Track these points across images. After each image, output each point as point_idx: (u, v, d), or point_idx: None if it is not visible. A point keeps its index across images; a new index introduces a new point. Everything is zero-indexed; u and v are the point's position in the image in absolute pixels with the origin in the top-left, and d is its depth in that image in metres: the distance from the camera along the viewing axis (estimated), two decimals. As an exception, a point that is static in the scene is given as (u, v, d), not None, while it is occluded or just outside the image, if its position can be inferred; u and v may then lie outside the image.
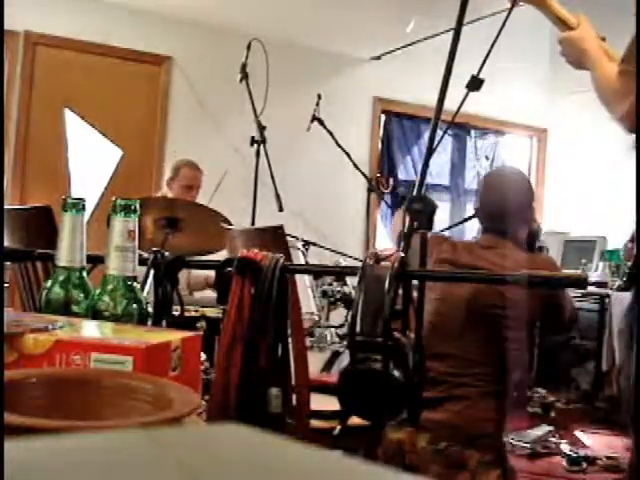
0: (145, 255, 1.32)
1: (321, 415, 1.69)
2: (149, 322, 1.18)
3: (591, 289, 4.70)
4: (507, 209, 2.17)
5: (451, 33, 1.54)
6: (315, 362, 2.55)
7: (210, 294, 3.59)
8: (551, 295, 2.13)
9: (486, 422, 2.02)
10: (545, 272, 1.97)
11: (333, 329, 2.98)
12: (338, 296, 3.09)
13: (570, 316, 2.18)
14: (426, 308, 2.16)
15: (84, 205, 1.04)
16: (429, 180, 5.82)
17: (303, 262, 2.87)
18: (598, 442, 4.04)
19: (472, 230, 6.37)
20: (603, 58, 1.59)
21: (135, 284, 1.01)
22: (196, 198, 3.72)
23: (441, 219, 5.68)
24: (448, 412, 2.02)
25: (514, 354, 2.07)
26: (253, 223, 3.43)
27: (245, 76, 3.43)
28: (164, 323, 1.33)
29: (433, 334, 2.12)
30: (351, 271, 1.50)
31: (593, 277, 4.90)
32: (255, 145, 3.42)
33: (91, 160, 5.01)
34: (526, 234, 2.26)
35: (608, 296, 4.65)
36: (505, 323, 2.01)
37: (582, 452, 3.75)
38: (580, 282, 1.29)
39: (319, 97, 3.88)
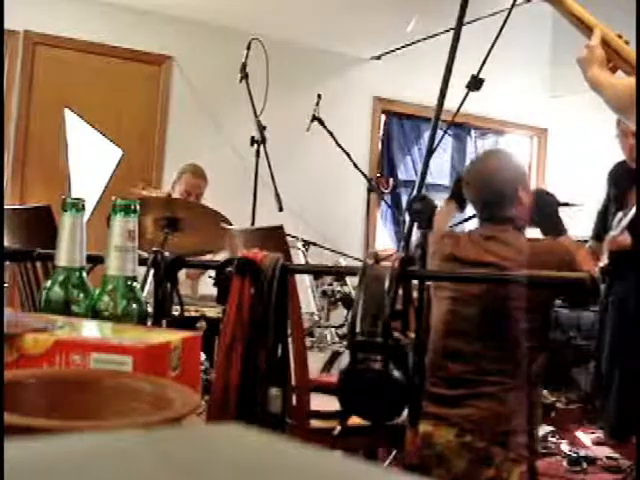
0: (145, 255, 1.32)
1: (321, 415, 1.69)
2: (149, 322, 1.18)
3: (591, 289, 4.68)
4: (495, 193, 2.14)
5: (451, 33, 1.55)
6: (315, 362, 2.55)
7: (210, 294, 3.58)
8: (565, 269, 2.08)
9: (513, 418, 2.01)
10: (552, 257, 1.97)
11: (333, 329, 2.98)
12: (338, 296, 3.09)
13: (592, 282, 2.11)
14: (438, 307, 2.16)
15: (84, 205, 1.04)
16: (429, 180, 5.81)
17: (303, 262, 2.87)
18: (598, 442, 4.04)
19: (472, 230, 6.37)
20: (607, 78, 1.56)
21: (135, 284, 1.01)
22: None
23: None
24: (474, 408, 2.02)
25: (533, 346, 2.05)
26: (253, 223, 3.43)
27: (245, 76, 3.43)
28: (164, 323, 1.33)
29: (448, 333, 2.11)
30: (351, 271, 1.50)
31: (593, 277, 4.88)
32: (255, 145, 3.42)
33: (91, 160, 5.01)
34: (525, 213, 2.20)
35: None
36: (521, 315, 1.99)
37: (582, 452, 3.75)
38: (581, 282, 1.29)
39: (319, 97, 3.88)
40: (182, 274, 3.55)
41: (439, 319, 2.14)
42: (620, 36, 1.61)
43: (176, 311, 1.36)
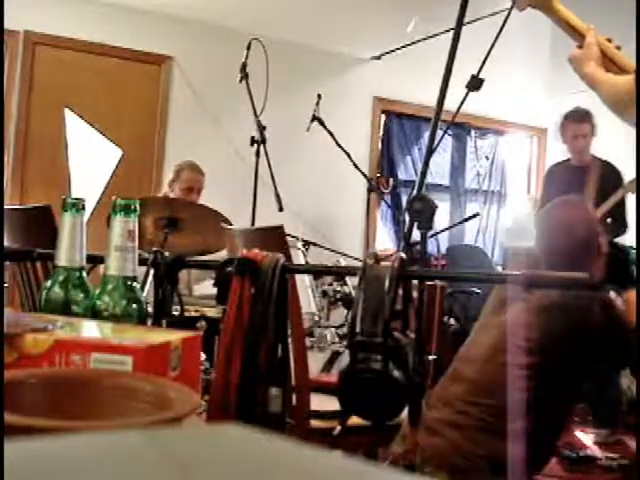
0: (145, 255, 1.32)
1: (321, 415, 1.69)
2: (149, 322, 1.18)
3: (591, 289, 4.71)
4: (567, 251, 2.06)
5: (451, 33, 1.55)
6: (315, 362, 2.55)
7: (210, 293, 3.58)
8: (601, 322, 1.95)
9: (480, 458, 1.92)
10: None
11: (333, 329, 2.98)
12: (338, 296, 3.08)
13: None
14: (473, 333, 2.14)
15: (84, 205, 1.04)
16: (429, 180, 5.81)
17: (303, 262, 2.86)
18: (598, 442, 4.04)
19: (472, 229, 6.38)
20: (604, 75, 1.58)
21: (135, 284, 1.01)
22: (197, 201, 3.72)
23: (441, 219, 5.68)
24: (445, 439, 1.96)
25: (544, 400, 1.94)
26: (253, 223, 3.43)
27: (245, 76, 3.43)
28: (164, 323, 1.33)
29: (464, 359, 2.09)
30: (351, 271, 1.50)
31: (593, 277, 4.89)
32: (255, 145, 3.41)
33: (91, 160, 5.01)
34: (601, 265, 2.10)
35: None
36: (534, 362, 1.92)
37: (582, 452, 3.75)
38: (581, 283, 1.29)
39: (319, 97, 3.88)
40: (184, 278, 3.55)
41: (465, 344, 2.14)
42: (610, 40, 1.62)
43: (176, 311, 1.36)
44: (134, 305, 1.00)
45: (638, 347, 1.80)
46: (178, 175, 3.81)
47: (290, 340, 1.28)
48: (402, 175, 6.09)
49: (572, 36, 1.62)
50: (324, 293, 3.05)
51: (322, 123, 3.88)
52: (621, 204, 4.02)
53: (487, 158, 6.54)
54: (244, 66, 3.44)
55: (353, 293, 2.95)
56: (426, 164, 1.54)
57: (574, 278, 1.28)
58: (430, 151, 1.52)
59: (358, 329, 1.14)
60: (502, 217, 6.57)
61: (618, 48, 1.62)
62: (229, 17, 5.06)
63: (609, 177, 4.13)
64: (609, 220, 3.94)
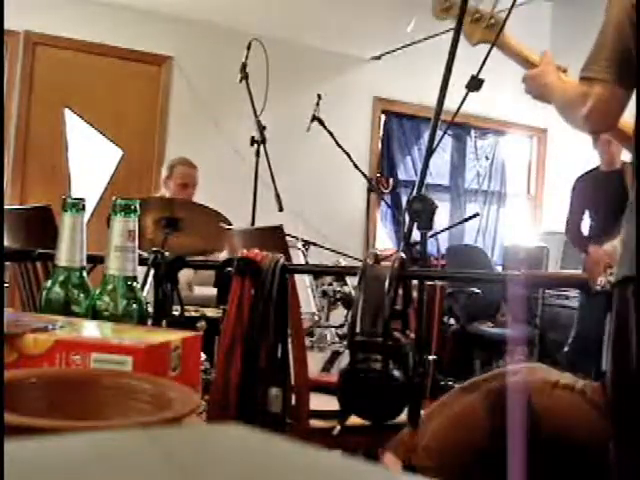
0: (145, 255, 1.32)
1: (321, 415, 1.69)
2: (149, 322, 1.18)
3: (591, 289, 4.72)
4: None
5: (451, 33, 1.55)
6: (315, 362, 2.55)
7: (210, 293, 3.58)
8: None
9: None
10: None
11: (333, 329, 2.98)
12: (338, 296, 3.08)
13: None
14: None
15: (84, 205, 1.04)
16: (429, 180, 5.80)
17: (303, 262, 2.86)
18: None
19: (472, 230, 6.37)
20: (563, 84, 1.62)
21: (135, 284, 1.01)
22: (193, 195, 3.73)
23: (441, 219, 5.67)
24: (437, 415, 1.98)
25: None
26: (253, 223, 3.43)
27: (245, 76, 3.43)
28: (164, 323, 1.33)
29: None
30: (351, 271, 1.50)
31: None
32: (255, 145, 3.41)
33: (91, 160, 5.01)
34: None
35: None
36: None
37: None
38: (581, 283, 1.29)
39: (319, 97, 3.87)
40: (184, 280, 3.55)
41: None
42: (565, 70, 1.66)
43: (176, 311, 1.36)
44: (134, 305, 1.00)
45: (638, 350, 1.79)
46: (172, 172, 3.80)
47: (290, 340, 1.28)
48: (402, 175, 6.09)
49: (525, 67, 1.69)
50: (324, 293, 3.05)
51: (322, 123, 3.88)
52: None
53: (487, 158, 6.54)
54: (244, 66, 3.44)
55: (353, 293, 2.95)
56: (426, 164, 1.54)
57: (573, 277, 1.28)
58: (430, 151, 1.52)
59: (358, 329, 1.14)
60: (502, 217, 6.57)
61: (564, 71, 1.67)
62: (229, 17, 5.06)
63: None
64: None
